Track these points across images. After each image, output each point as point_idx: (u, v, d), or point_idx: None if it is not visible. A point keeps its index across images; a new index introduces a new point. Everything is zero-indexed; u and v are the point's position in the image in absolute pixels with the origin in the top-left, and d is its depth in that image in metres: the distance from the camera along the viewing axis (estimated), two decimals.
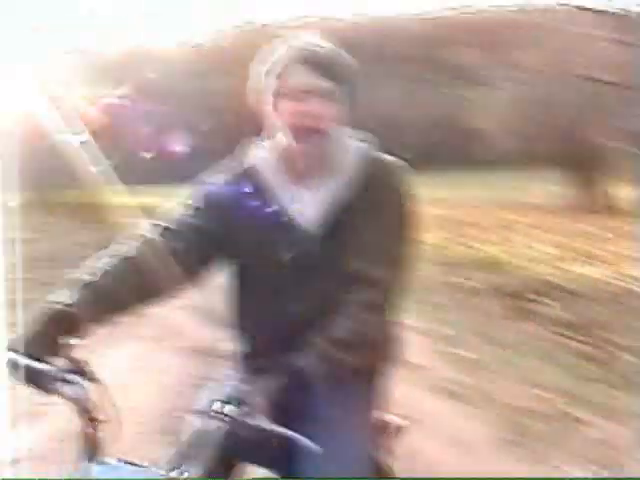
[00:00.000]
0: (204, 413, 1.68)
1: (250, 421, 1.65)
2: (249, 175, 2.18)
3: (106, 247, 2.15)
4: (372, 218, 2.04)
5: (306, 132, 2.04)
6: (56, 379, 1.80)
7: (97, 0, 28.27)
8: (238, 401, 1.66)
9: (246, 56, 2.38)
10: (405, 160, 2.12)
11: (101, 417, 1.78)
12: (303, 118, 2.02)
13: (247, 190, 2.15)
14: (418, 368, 5.97)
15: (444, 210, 17.83)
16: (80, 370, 1.83)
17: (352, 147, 2.16)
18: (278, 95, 2.07)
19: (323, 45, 2.08)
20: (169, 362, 6.45)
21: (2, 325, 2.07)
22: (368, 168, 2.11)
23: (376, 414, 2.24)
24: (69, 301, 1.94)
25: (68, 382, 1.79)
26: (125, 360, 6.44)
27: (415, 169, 2.14)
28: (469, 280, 10.17)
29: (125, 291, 2.03)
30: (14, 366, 1.81)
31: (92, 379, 1.82)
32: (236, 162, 2.23)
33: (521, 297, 8.79)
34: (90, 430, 1.78)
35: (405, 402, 5.05)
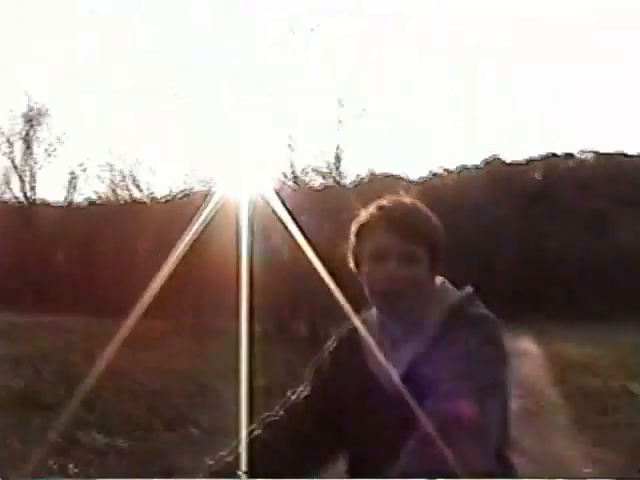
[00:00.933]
0: None
1: None
2: (351, 338, 2.25)
3: None
4: (446, 367, 1.97)
5: (385, 296, 2.07)
6: None
7: None
8: None
9: None
10: None
11: None
12: (381, 282, 2.06)
13: (345, 353, 2.24)
14: None
15: None
16: None
17: (441, 303, 2.13)
18: (361, 257, 2.13)
19: (406, 206, 2.12)
20: None
21: None
22: (452, 323, 2.08)
23: None
24: None
25: None
26: None
27: None
28: None
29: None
30: None
31: None
32: (347, 325, 2.31)
33: None
34: None
35: None
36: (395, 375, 2.09)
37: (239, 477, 1.88)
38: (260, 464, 2.13)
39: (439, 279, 2.19)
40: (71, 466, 7.18)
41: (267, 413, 2.29)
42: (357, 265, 2.16)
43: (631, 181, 69.82)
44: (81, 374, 11.86)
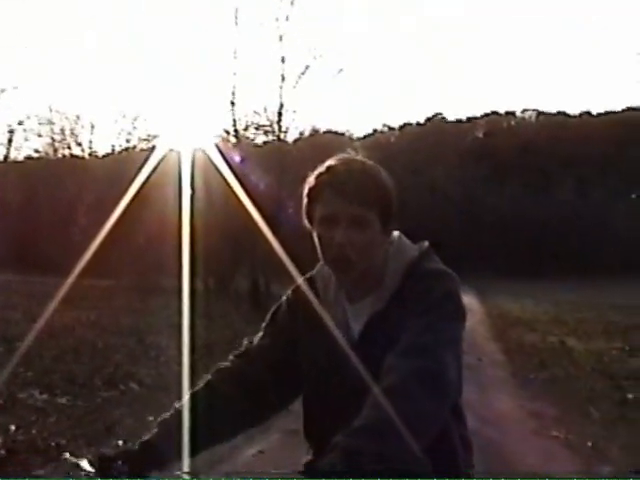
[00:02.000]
0: None
1: None
2: (309, 287, 2.23)
3: None
4: (405, 323, 1.97)
5: (337, 262, 2.06)
6: None
7: None
8: None
9: None
10: None
11: None
12: (331, 248, 2.03)
13: (301, 302, 2.21)
14: None
15: None
16: None
17: (397, 261, 2.12)
18: (312, 219, 2.09)
19: (355, 167, 2.06)
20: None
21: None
22: (410, 279, 2.07)
23: None
24: (149, 437, 2.08)
25: None
26: (258, 453, 6.57)
27: None
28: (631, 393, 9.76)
29: (202, 426, 2.12)
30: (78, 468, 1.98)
31: None
32: (310, 273, 2.29)
33: None
34: None
35: None
36: (353, 328, 2.12)
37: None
38: (209, 409, 2.14)
39: (395, 234, 2.17)
40: (12, 427, 7.12)
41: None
42: (311, 224, 2.11)
43: (571, 140, 70.84)
44: (23, 333, 11.80)
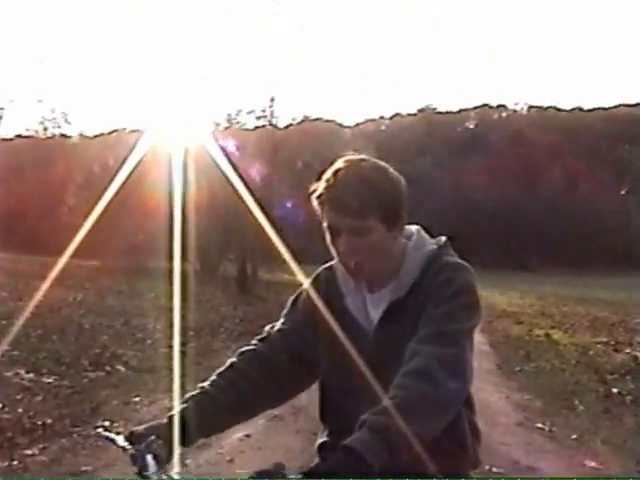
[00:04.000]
0: None
1: None
2: (329, 276, 2.34)
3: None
4: (424, 311, 2.10)
5: (346, 266, 2.17)
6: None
7: None
8: (268, 475, 1.67)
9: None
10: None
11: None
12: (338, 254, 2.16)
13: (322, 289, 2.32)
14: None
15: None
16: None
17: (416, 253, 2.22)
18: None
19: (357, 174, 2.11)
20: (285, 442, 6.53)
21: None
22: (430, 270, 2.18)
23: None
24: (179, 411, 2.15)
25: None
26: (244, 437, 6.61)
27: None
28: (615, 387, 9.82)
29: (223, 407, 2.23)
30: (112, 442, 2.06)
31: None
32: (330, 263, 2.37)
33: None
34: None
35: None
36: (372, 315, 2.24)
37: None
38: (233, 388, 2.25)
39: (413, 228, 2.29)
40: None
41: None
42: None
43: (562, 134, 70.99)
44: (9, 312, 11.77)
